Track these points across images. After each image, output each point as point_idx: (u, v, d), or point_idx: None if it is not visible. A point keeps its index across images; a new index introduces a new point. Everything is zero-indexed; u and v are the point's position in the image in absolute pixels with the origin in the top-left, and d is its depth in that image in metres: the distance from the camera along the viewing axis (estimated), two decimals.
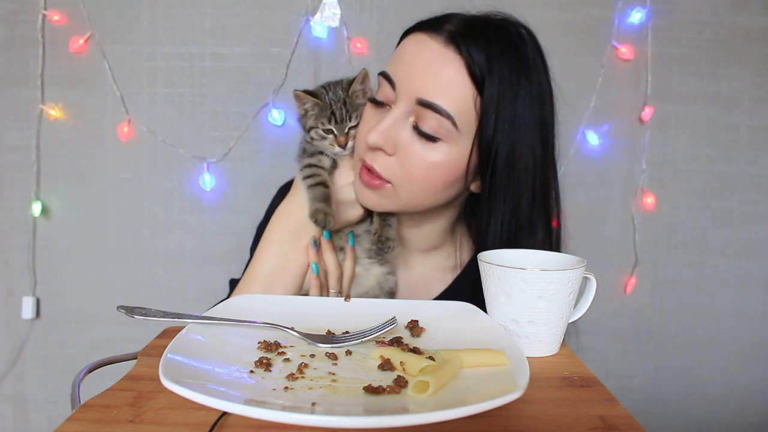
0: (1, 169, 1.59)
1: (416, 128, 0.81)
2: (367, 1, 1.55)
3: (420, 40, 0.83)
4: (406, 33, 0.88)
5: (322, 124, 0.89)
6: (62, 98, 1.56)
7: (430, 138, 0.81)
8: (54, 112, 1.55)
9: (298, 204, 0.91)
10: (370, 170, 0.85)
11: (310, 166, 0.92)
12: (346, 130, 0.89)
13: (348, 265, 0.93)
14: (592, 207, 1.65)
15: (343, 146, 0.89)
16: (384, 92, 0.85)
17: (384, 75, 0.86)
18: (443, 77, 0.80)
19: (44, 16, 1.52)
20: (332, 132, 0.89)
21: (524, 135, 0.83)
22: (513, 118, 0.81)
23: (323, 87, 0.93)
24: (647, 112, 1.61)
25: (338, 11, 1.52)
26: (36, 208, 1.57)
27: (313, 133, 0.91)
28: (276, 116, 1.55)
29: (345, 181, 0.92)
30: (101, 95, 1.56)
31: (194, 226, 1.60)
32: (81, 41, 1.52)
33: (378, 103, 0.86)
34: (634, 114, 1.63)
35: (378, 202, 0.88)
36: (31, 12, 1.52)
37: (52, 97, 1.56)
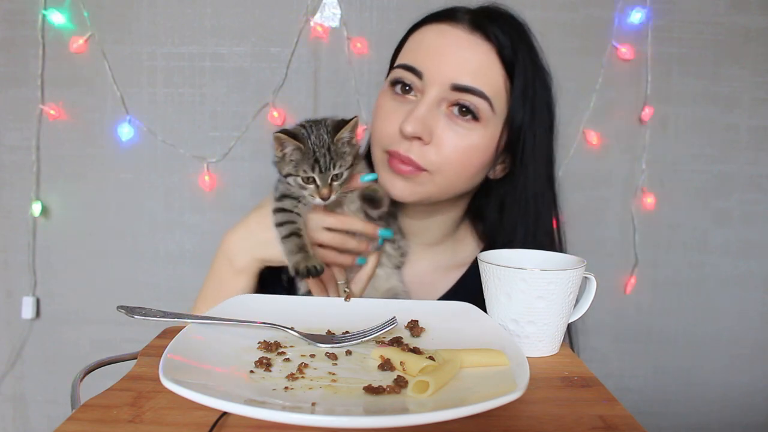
0: (1, 169, 1.59)
1: (459, 107, 0.82)
2: (367, 1, 1.55)
3: (441, 29, 0.84)
4: (416, 27, 0.89)
5: (304, 171, 0.80)
6: (62, 98, 1.55)
7: (475, 117, 0.82)
8: (54, 112, 1.55)
9: (241, 227, 0.91)
10: (403, 161, 0.84)
11: (282, 210, 0.85)
12: (329, 181, 0.81)
13: (371, 263, 0.91)
14: (592, 207, 1.64)
15: (326, 198, 0.81)
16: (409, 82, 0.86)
17: (406, 67, 0.85)
18: (475, 61, 0.82)
19: (44, 16, 1.52)
20: (314, 181, 0.81)
21: (542, 116, 0.87)
22: (534, 100, 0.85)
23: (304, 127, 0.83)
24: (647, 112, 1.61)
25: (338, 11, 1.52)
26: (36, 208, 1.57)
27: (291, 180, 0.83)
28: (276, 116, 1.55)
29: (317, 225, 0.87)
30: (101, 95, 1.55)
31: (194, 226, 1.60)
32: (81, 41, 1.52)
33: (402, 91, 0.86)
34: (634, 114, 1.63)
35: (412, 189, 0.86)
36: (31, 12, 1.52)
37: (52, 97, 1.55)
